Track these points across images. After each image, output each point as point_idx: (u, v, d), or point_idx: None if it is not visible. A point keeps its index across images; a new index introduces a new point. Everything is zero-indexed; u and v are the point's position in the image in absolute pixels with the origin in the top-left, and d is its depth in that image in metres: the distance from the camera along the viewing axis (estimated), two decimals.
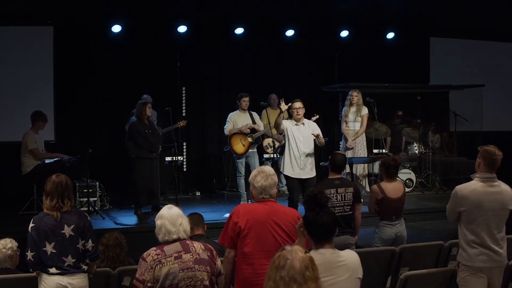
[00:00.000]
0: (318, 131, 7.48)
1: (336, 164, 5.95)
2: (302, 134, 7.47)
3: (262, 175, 4.04)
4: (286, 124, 7.54)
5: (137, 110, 8.39)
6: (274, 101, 10.05)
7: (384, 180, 6.06)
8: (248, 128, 8.93)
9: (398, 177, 10.11)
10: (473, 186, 4.41)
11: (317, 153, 10.93)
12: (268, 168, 4.16)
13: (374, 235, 5.96)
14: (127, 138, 8.42)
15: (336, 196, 5.67)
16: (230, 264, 4.06)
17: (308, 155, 7.46)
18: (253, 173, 4.12)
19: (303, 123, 7.49)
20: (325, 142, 10.18)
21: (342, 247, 3.74)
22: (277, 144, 8.89)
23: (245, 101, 9.04)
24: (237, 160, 9.04)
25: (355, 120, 9.19)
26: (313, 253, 3.31)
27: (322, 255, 3.29)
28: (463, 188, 4.43)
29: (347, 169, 8.60)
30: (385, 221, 5.90)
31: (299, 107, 7.43)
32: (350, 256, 3.37)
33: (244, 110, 9.07)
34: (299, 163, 7.42)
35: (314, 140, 7.46)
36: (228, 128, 9.00)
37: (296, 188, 7.46)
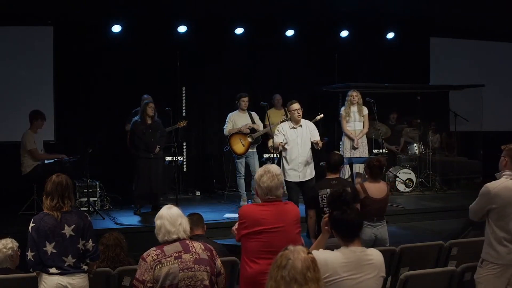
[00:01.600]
0: (316, 135, 7.46)
1: (333, 164, 5.97)
2: (299, 137, 7.45)
3: (268, 175, 3.99)
4: (283, 127, 7.53)
5: (140, 109, 8.46)
6: (278, 101, 10.04)
7: (368, 180, 6.09)
8: (248, 128, 8.93)
9: (398, 176, 10.23)
10: (505, 183, 4.42)
11: (317, 153, 10.91)
12: (275, 168, 4.10)
13: None
14: (129, 138, 8.54)
15: None
16: None
17: (306, 157, 7.44)
18: (259, 172, 4.06)
19: (300, 125, 7.47)
20: (325, 142, 10.15)
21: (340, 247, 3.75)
22: None
23: (244, 101, 9.04)
24: (237, 160, 9.04)
25: (356, 120, 9.19)
26: (344, 250, 3.32)
27: (353, 253, 3.30)
28: (495, 185, 4.43)
29: (348, 172, 8.59)
30: (365, 222, 5.89)
31: (299, 108, 7.39)
32: (377, 255, 3.39)
33: (243, 110, 9.07)
34: (297, 166, 7.40)
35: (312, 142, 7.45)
36: (227, 128, 9.00)
37: (294, 189, 7.45)
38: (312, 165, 7.54)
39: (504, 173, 4.48)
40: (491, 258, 4.41)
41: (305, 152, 7.43)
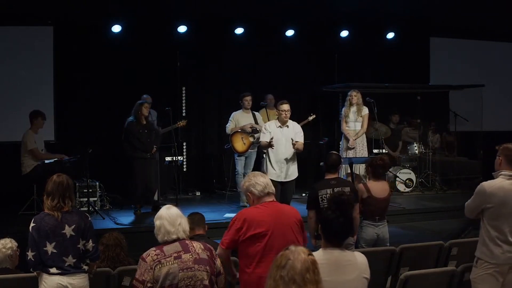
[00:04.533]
0: (299, 137, 7.48)
1: (331, 164, 5.96)
2: (284, 136, 7.50)
3: (259, 174, 4.11)
4: (270, 126, 7.57)
5: (134, 109, 8.42)
6: (271, 101, 10.04)
7: (370, 179, 6.07)
8: (250, 128, 8.93)
9: (398, 176, 10.23)
10: (500, 183, 4.43)
11: (317, 153, 10.90)
12: (258, 172, 4.24)
13: (357, 236, 5.96)
14: (123, 138, 8.44)
15: None
16: (226, 257, 4.06)
17: (289, 158, 7.48)
18: (250, 177, 4.10)
19: (287, 125, 7.53)
20: (325, 142, 10.14)
21: None
22: None
23: (247, 100, 9.04)
24: (237, 158, 9.03)
25: (356, 120, 9.19)
26: (323, 252, 3.32)
27: (331, 254, 3.31)
28: (491, 185, 4.44)
29: (347, 170, 8.59)
30: (368, 221, 5.91)
31: (288, 109, 7.47)
32: (358, 257, 3.39)
33: (247, 109, 9.06)
34: (280, 166, 7.43)
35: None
36: (230, 127, 9.00)
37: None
38: (295, 166, 7.57)
39: (501, 172, 4.48)
40: (486, 257, 4.41)
41: (288, 153, 7.47)
